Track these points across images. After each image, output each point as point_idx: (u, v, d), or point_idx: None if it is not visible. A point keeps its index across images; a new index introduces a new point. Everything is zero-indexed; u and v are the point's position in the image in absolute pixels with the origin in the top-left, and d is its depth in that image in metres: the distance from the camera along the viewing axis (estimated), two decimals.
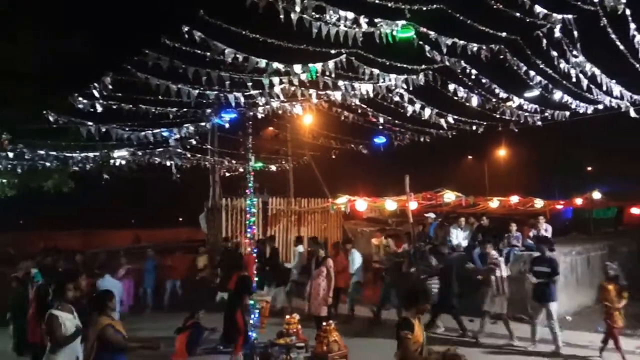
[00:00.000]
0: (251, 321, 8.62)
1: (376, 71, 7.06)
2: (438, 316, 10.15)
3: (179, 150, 11.71)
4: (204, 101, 7.46)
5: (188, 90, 6.72)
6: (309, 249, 12.26)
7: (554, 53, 6.88)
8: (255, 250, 10.20)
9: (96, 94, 6.64)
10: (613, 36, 6.53)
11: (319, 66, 6.52)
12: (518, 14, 5.95)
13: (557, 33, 6.29)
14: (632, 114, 9.15)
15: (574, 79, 7.60)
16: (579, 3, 5.90)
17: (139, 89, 6.89)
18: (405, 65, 7.33)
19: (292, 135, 17.35)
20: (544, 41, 6.46)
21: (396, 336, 4.99)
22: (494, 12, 5.91)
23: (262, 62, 6.11)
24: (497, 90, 8.34)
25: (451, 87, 8.07)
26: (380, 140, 12.36)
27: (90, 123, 8.03)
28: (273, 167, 15.95)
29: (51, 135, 10.16)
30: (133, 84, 6.64)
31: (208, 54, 5.93)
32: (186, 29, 5.57)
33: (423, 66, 7.38)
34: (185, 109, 8.45)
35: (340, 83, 7.36)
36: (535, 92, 9.06)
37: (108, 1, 15.64)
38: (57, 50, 13.35)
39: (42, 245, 19.10)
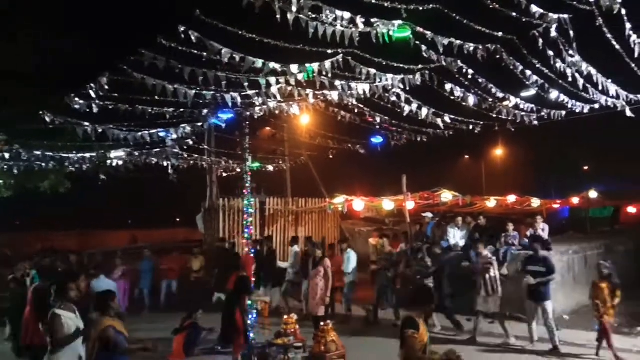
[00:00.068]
0: (249, 321, 8.62)
1: (373, 71, 7.06)
2: (431, 316, 10.19)
3: (175, 151, 11.70)
4: (201, 101, 7.45)
5: (185, 91, 6.71)
6: (305, 249, 12.25)
7: (550, 53, 6.90)
8: (252, 251, 10.19)
9: (92, 94, 6.62)
10: (609, 36, 6.55)
11: (315, 66, 6.52)
12: (514, 14, 5.97)
13: (553, 33, 6.31)
14: (628, 113, 9.18)
15: (570, 79, 7.63)
16: (574, 3, 5.92)
17: (136, 89, 6.88)
18: (402, 65, 7.34)
19: (289, 135, 17.36)
20: (540, 41, 6.48)
21: (400, 335, 4.94)
22: (490, 12, 5.92)
23: (259, 62, 6.11)
24: (493, 90, 8.37)
25: (448, 86, 8.09)
26: (377, 140, 12.38)
27: (86, 123, 8.01)
28: (270, 167, 15.96)
29: (47, 136, 10.14)
30: (130, 84, 6.63)
31: (205, 54, 5.92)
32: (183, 29, 5.55)
33: (420, 66, 7.39)
34: (182, 109, 8.44)
35: (337, 83, 7.37)
36: (532, 92, 9.09)
37: (104, 1, 15.62)
38: (53, 50, 13.32)
39: (39, 246, 19.06)
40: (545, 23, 6.16)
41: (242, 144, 10.24)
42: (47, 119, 7.80)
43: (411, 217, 13.38)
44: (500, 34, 6.51)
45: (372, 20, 5.71)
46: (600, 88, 7.96)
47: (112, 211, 32.64)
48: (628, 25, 6.37)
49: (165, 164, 12.19)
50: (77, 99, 7.04)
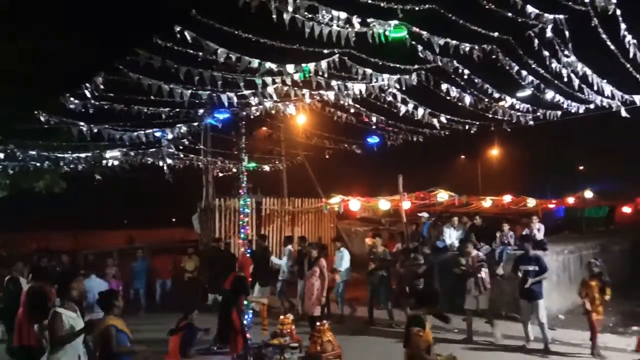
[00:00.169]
0: (245, 322, 8.61)
1: (369, 71, 7.06)
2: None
3: (171, 151, 11.66)
4: (197, 101, 7.43)
5: (181, 91, 6.69)
6: (298, 248, 12.26)
7: (546, 53, 6.92)
8: (249, 251, 10.18)
9: (88, 94, 6.59)
10: (604, 36, 6.57)
11: (311, 66, 6.51)
12: (510, 14, 5.98)
13: (549, 33, 6.33)
14: (623, 113, 9.22)
15: (565, 79, 7.65)
16: (570, 3, 5.94)
17: (131, 89, 6.86)
18: (398, 65, 7.34)
19: (286, 135, 17.35)
20: (536, 41, 6.49)
21: (405, 333, 4.92)
22: (486, 12, 5.93)
23: (255, 62, 6.09)
24: (489, 90, 8.38)
25: (444, 87, 8.10)
26: (373, 140, 12.38)
27: (82, 123, 7.98)
28: (266, 167, 15.93)
29: (43, 136, 10.09)
30: (125, 84, 6.61)
31: (200, 53, 5.91)
32: (178, 28, 5.54)
33: (416, 66, 7.39)
34: (178, 109, 8.42)
35: (333, 83, 7.36)
36: (527, 92, 9.11)
37: (99, 1, 15.57)
38: (48, 50, 13.27)
39: (34, 247, 18.99)
40: (540, 23, 6.17)
41: (238, 144, 10.23)
42: (42, 119, 7.76)
43: (407, 217, 13.41)
44: (496, 34, 6.52)
45: (368, 20, 5.71)
46: (595, 88, 7.99)
47: (108, 211, 32.52)
48: (623, 26, 6.39)
49: (161, 164, 12.14)
50: (72, 99, 7.01)
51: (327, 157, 15.16)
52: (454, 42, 6.32)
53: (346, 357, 8.17)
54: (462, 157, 38.74)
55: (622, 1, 5.92)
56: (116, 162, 11.16)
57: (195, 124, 9.45)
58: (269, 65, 6.24)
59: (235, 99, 7.41)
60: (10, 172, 11.58)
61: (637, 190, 21.18)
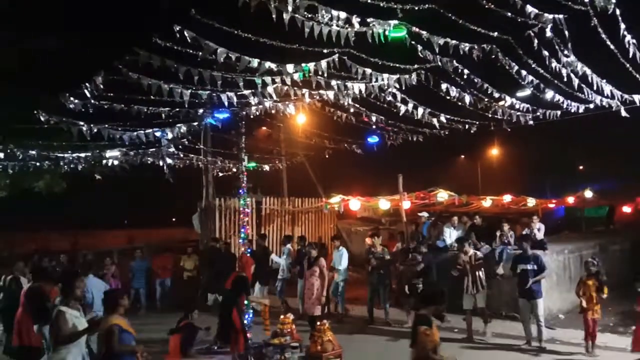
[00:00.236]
0: (245, 321, 8.61)
1: (369, 71, 7.05)
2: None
3: (171, 150, 11.66)
4: (197, 101, 7.43)
5: (180, 90, 6.69)
6: (298, 248, 12.27)
7: (546, 53, 6.92)
8: (249, 251, 10.18)
9: (87, 93, 6.59)
10: (603, 36, 6.57)
11: (311, 66, 6.51)
12: (509, 14, 5.98)
13: (548, 33, 6.32)
14: (623, 113, 9.22)
15: (565, 79, 7.64)
16: (569, 3, 5.93)
17: (131, 89, 6.85)
18: (397, 65, 7.34)
19: (286, 135, 17.35)
20: (536, 41, 6.49)
21: (412, 332, 4.89)
22: (486, 12, 5.93)
23: (255, 62, 6.09)
24: (489, 90, 8.38)
25: (443, 86, 8.10)
26: (373, 139, 12.37)
27: (81, 123, 7.97)
28: (266, 167, 15.92)
29: (42, 136, 10.09)
30: (125, 84, 6.60)
31: (200, 53, 5.90)
32: (178, 28, 5.54)
33: (415, 66, 7.39)
34: (177, 109, 8.42)
35: (333, 83, 7.36)
36: (527, 92, 9.11)
37: (99, 1, 15.58)
38: (48, 49, 13.28)
39: (33, 247, 18.97)
40: (540, 23, 6.17)
41: (238, 144, 10.23)
42: (42, 119, 7.76)
43: (407, 216, 13.41)
44: (495, 34, 6.51)
45: (368, 20, 5.70)
46: (595, 88, 7.98)
47: (108, 211, 32.52)
48: (622, 26, 6.39)
49: (161, 163, 12.14)
50: (72, 99, 7.01)
51: (327, 156, 15.15)
52: (454, 41, 6.32)
53: (346, 356, 8.17)
54: (462, 156, 38.75)
55: (621, 1, 5.92)
56: (116, 162, 11.15)
57: (195, 123, 9.43)
58: (268, 64, 6.24)
59: (235, 99, 7.40)
60: (10, 172, 11.58)
61: (636, 190, 21.20)
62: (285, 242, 13.14)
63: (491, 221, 14.12)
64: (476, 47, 6.58)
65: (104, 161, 11.06)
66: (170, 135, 9.36)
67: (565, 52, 6.93)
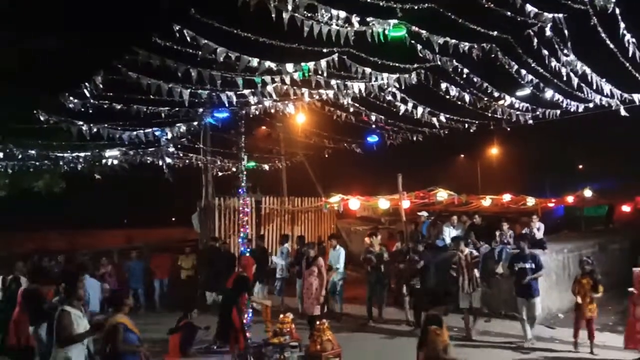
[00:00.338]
0: (245, 321, 8.61)
1: (368, 70, 7.05)
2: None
3: (171, 150, 11.65)
4: (196, 100, 7.42)
5: (180, 90, 6.68)
6: (296, 247, 12.29)
7: (545, 52, 6.92)
8: (247, 250, 10.18)
9: (87, 93, 6.58)
10: (603, 35, 6.57)
11: (311, 65, 6.50)
12: (509, 13, 5.98)
13: (548, 32, 6.32)
14: (623, 112, 9.22)
15: (564, 78, 7.65)
16: (569, 2, 5.93)
17: (131, 88, 6.85)
18: (397, 64, 7.34)
19: (285, 135, 17.34)
20: (535, 40, 6.49)
21: (422, 332, 4.85)
22: (485, 11, 5.93)
23: (254, 61, 6.08)
24: (488, 89, 8.38)
25: (443, 86, 8.10)
26: (373, 139, 12.37)
27: (81, 123, 7.96)
28: (266, 167, 15.92)
29: (42, 135, 10.09)
30: (124, 83, 6.60)
31: (200, 52, 5.90)
32: (177, 27, 5.53)
33: (415, 65, 7.39)
34: (177, 109, 8.41)
35: (333, 82, 7.36)
36: (527, 91, 9.11)
37: (99, 0, 15.56)
38: (47, 49, 13.27)
39: (32, 247, 18.96)
40: (540, 22, 6.17)
41: (237, 143, 10.22)
42: (42, 118, 7.75)
43: (407, 216, 13.41)
44: (495, 33, 6.52)
45: (368, 19, 5.70)
46: (594, 87, 7.99)
47: (107, 211, 32.49)
48: (622, 25, 6.39)
49: (160, 163, 12.14)
50: (71, 98, 7.00)
51: (326, 156, 15.15)
52: (454, 41, 6.32)
53: (346, 355, 8.17)
54: (462, 156, 38.74)
55: (621, 0, 5.92)
56: (115, 162, 11.14)
57: (195, 123, 9.43)
58: (268, 64, 6.23)
59: (234, 98, 7.40)
60: (10, 172, 11.57)
61: (636, 189, 21.19)
62: (282, 242, 13.15)
63: (491, 220, 14.12)
64: (476, 46, 6.58)
65: (104, 161, 11.05)
66: (169, 135, 9.37)
67: (565, 51, 6.93)
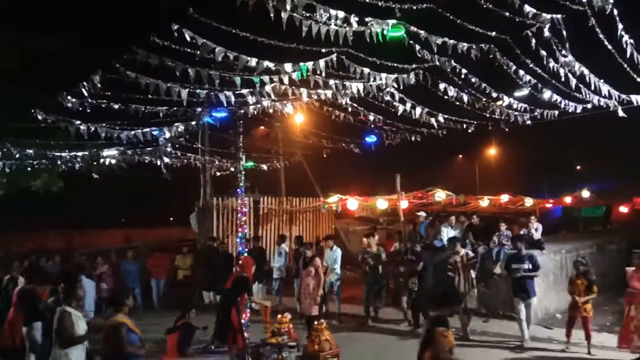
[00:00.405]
0: (242, 321, 8.61)
1: (367, 70, 7.05)
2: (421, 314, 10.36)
3: (169, 150, 11.64)
4: (194, 100, 7.41)
5: (178, 89, 6.67)
6: (294, 248, 12.29)
7: (543, 52, 6.92)
8: (245, 250, 10.18)
9: (85, 92, 6.57)
10: (601, 36, 6.58)
11: (309, 65, 6.50)
12: (507, 14, 5.98)
13: (546, 33, 6.32)
14: (621, 113, 9.24)
15: (563, 79, 7.65)
16: (567, 3, 5.94)
17: (129, 88, 6.84)
18: (395, 64, 7.34)
19: (283, 134, 17.34)
20: (533, 41, 6.50)
21: (427, 334, 4.81)
22: (484, 12, 5.93)
23: (253, 61, 6.08)
24: (487, 90, 8.39)
25: (441, 86, 8.11)
26: (371, 139, 12.37)
27: (79, 122, 7.95)
28: (264, 166, 15.91)
29: (40, 134, 10.07)
30: (122, 83, 6.59)
31: (198, 52, 5.89)
32: (176, 27, 5.52)
33: (413, 65, 7.39)
34: (175, 108, 8.40)
35: (331, 82, 7.36)
36: (525, 92, 9.13)
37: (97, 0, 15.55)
38: (46, 49, 13.25)
39: (30, 246, 18.93)
40: (538, 23, 6.18)
41: (236, 143, 10.22)
42: (40, 117, 7.74)
43: (405, 216, 13.41)
44: (493, 33, 6.52)
45: (366, 19, 5.70)
46: (592, 88, 8.00)
47: (105, 210, 32.45)
48: (620, 26, 6.40)
49: (158, 162, 12.12)
50: (69, 97, 6.99)
51: (325, 156, 15.14)
52: (452, 41, 6.32)
53: (344, 355, 8.18)
54: (460, 156, 38.75)
55: (619, 1, 5.93)
56: (113, 161, 11.12)
57: (193, 122, 9.42)
58: (266, 64, 6.22)
59: (232, 98, 7.39)
60: (7, 171, 11.55)
61: (634, 190, 21.24)
62: (280, 242, 13.15)
63: (489, 221, 14.14)
64: (474, 46, 6.58)
65: (102, 160, 11.03)
66: (167, 135, 9.35)
67: (563, 52, 6.94)
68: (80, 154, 10.79)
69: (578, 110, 9.56)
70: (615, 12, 6.09)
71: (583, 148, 30.20)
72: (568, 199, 18.98)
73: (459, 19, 6.04)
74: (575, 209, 20.57)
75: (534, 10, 5.96)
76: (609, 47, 6.78)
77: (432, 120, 10.10)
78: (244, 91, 7.29)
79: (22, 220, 24.56)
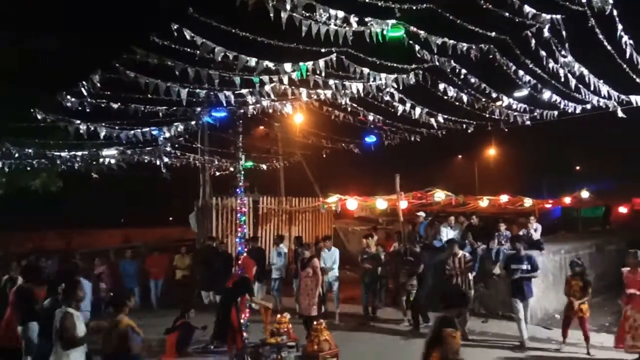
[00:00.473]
0: (242, 321, 8.60)
1: (366, 70, 7.05)
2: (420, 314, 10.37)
3: (168, 149, 11.64)
4: (194, 100, 7.42)
5: (178, 89, 6.67)
6: (295, 248, 12.30)
7: (543, 53, 6.92)
8: (244, 250, 10.18)
9: (84, 92, 6.57)
10: (601, 36, 6.58)
11: (309, 65, 6.50)
12: (507, 14, 5.98)
13: (546, 33, 6.33)
14: (620, 113, 9.24)
15: (562, 79, 7.65)
16: (567, 3, 5.94)
17: (128, 87, 6.84)
18: (395, 65, 7.34)
19: (283, 134, 17.34)
20: (533, 41, 6.50)
21: (434, 335, 4.78)
22: (484, 12, 5.93)
23: (252, 61, 6.08)
24: (486, 90, 8.39)
25: (441, 86, 8.11)
26: (371, 139, 12.37)
27: (78, 121, 7.95)
28: (264, 166, 15.91)
29: (39, 134, 10.07)
30: (122, 82, 6.59)
31: (198, 52, 5.89)
32: (175, 26, 5.52)
33: (413, 65, 7.39)
34: (175, 108, 8.40)
35: (331, 82, 7.36)
36: (524, 92, 9.13)
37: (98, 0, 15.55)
38: (45, 48, 13.25)
39: (30, 246, 18.90)
40: (538, 23, 6.18)
41: (235, 143, 10.21)
42: (39, 117, 7.74)
43: (404, 216, 13.41)
44: (493, 34, 6.52)
45: (366, 19, 5.70)
46: (592, 88, 8.00)
47: (105, 210, 32.44)
48: (620, 26, 6.40)
49: (158, 162, 12.12)
50: (68, 97, 6.99)
51: (324, 156, 15.14)
52: (452, 41, 6.32)
53: (343, 355, 8.18)
54: (459, 156, 38.77)
55: (618, 1, 5.93)
56: (113, 161, 11.12)
57: (193, 122, 9.42)
58: (266, 63, 6.23)
59: (232, 98, 7.39)
60: (7, 170, 11.54)
61: (633, 190, 21.26)
62: (277, 242, 13.15)
63: (488, 221, 14.14)
64: (474, 47, 6.58)
65: (101, 160, 11.03)
66: (167, 134, 9.36)
67: (563, 52, 6.94)
68: (79, 153, 10.78)
69: (577, 111, 9.57)
70: (615, 12, 6.08)
71: (582, 148, 30.23)
72: (567, 200, 19.00)
73: (458, 19, 6.04)
74: (575, 210, 20.61)
75: (534, 11, 5.96)
76: (609, 47, 6.77)
77: (432, 120, 10.10)
78: (244, 91, 7.30)
79: (22, 220, 24.54)
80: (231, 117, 9.33)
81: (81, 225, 28.05)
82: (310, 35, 5.43)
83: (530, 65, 7.51)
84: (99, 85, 6.47)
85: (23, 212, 22.55)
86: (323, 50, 6.35)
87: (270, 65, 6.30)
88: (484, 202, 15.86)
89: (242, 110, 8.97)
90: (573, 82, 7.79)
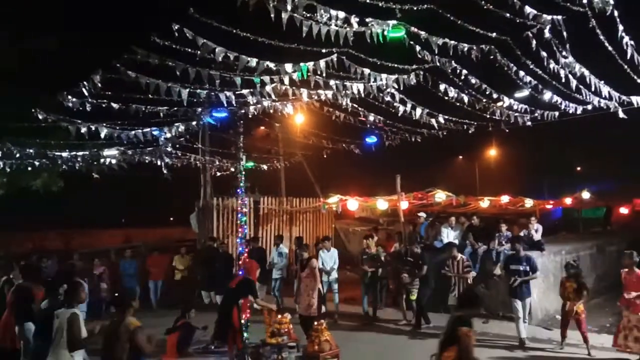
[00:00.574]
0: (242, 321, 8.60)
1: (367, 71, 7.05)
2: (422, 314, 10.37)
3: (169, 150, 11.64)
4: (195, 100, 7.42)
5: (178, 89, 6.68)
6: (295, 249, 12.30)
7: (544, 54, 6.92)
8: (245, 251, 10.17)
9: (85, 92, 6.57)
10: (602, 37, 6.58)
11: (310, 65, 6.50)
12: (508, 15, 5.98)
13: (547, 34, 6.33)
14: (621, 114, 9.24)
15: (563, 80, 7.65)
16: (568, 4, 5.94)
17: (129, 87, 6.85)
18: (396, 65, 7.34)
19: (284, 135, 17.34)
20: (534, 42, 6.50)
21: (449, 334, 4.75)
22: (484, 13, 5.93)
23: (253, 61, 6.08)
24: (487, 91, 8.39)
25: (442, 87, 8.11)
26: (371, 139, 12.37)
27: (79, 122, 7.95)
28: (264, 167, 15.91)
29: (40, 134, 10.08)
30: (123, 83, 6.59)
31: (198, 52, 5.90)
32: (176, 27, 5.53)
33: (414, 66, 7.39)
34: (175, 108, 8.41)
35: (332, 82, 7.36)
36: (525, 93, 9.13)
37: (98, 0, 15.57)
38: (48, 49, 13.27)
39: (30, 246, 18.90)
40: (538, 24, 6.17)
41: (236, 143, 10.21)
42: (40, 117, 7.75)
43: (405, 217, 13.42)
44: (494, 34, 6.52)
45: (367, 19, 5.70)
46: (593, 89, 8.00)
47: (106, 210, 32.46)
48: (621, 27, 6.40)
49: (159, 162, 12.12)
50: (70, 97, 6.99)
51: (325, 156, 15.14)
52: (452, 42, 6.32)
53: (344, 356, 8.18)
54: (460, 157, 38.77)
55: (619, 2, 5.93)
56: (114, 161, 11.12)
57: (193, 122, 9.42)
58: (267, 64, 6.23)
59: (233, 98, 7.39)
60: (8, 170, 11.55)
61: (634, 191, 21.25)
62: (277, 243, 13.15)
63: (489, 222, 14.13)
64: (475, 47, 6.58)
65: (102, 160, 11.03)
66: (168, 134, 9.36)
67: (564, 53, 6.94)
68: (80, 153, 10.78)
69: (578, 112, 9.56)
70: (616, 13, 6.08)
71: (583, 149, 30.21)
72: (568, 200, 18.98)
73: (459, 19, 6.04)
74: (576, 210, 20.59)
75: (535, 12, 5.96)
76: (610, 48, 6.77)
77: (433, 121, 10.10)
78: (245, 91, 7.30)
79: (22, 220, 24.57)
80: (232, 118, 9.33)
81: (82, 225, 28.08)
82: (311, 36, 5.43)
83: (531, 66, 7.51)
84: (99, 85, 6.47)
85: (24, 212, 22.58)
86: (324, 50, 6.35)
87: (271, 65, 6.30)
88: (484, 203, 15.85)
89: (242, 111, 8.97)
90: (574, 82, 7.79)
